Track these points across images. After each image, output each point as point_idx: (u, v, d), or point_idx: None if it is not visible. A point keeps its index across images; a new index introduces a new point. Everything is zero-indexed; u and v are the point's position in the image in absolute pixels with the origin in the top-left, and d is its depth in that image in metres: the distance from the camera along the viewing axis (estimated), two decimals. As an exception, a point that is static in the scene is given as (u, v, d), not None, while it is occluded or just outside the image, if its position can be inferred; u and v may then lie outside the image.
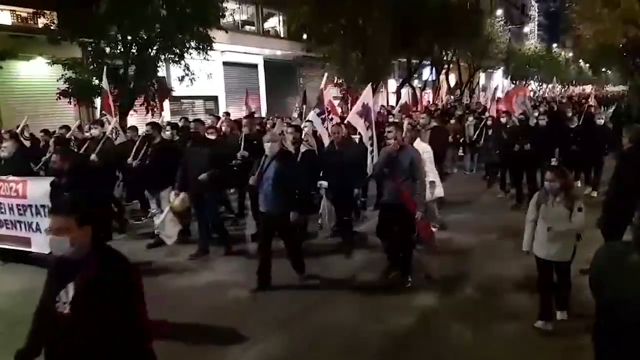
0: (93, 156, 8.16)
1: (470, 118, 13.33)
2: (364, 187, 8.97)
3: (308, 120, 9.24)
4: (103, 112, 10.28)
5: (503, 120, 10.80)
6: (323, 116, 9.13)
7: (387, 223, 6.18)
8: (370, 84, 9.92)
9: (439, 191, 7.80)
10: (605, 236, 5.64)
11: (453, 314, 5.25)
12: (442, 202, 8.93)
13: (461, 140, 13.48)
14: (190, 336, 4.89)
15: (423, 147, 7.33)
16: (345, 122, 8.78)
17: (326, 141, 8.25)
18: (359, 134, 8.17)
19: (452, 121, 13.89)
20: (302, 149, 7.63)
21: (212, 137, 8.58)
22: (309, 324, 5.13)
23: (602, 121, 10.40)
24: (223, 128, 9.98)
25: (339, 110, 14.65)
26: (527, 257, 5.06)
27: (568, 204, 4.48)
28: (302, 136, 8.02)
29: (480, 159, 12.99)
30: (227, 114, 12.56)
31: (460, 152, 13.90)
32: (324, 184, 7.41)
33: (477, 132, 12.51)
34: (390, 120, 12.22)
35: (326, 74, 10.74)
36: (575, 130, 10.51)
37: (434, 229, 7.23)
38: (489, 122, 11.93)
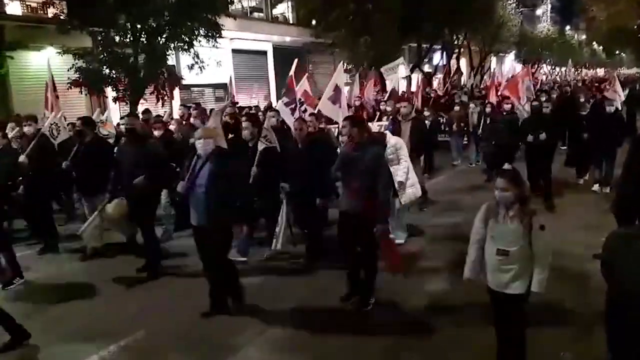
0: (22, 157, 6.96)
1: (473, 105, 12.43)
2: None
3: (273, 110, 8.32)
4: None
5: (507, 107, 10.14)
6: (292, 106, 8.29)
7: (347, 236, 5.25)
8: (342, 62, 9.28)
9: (412, 192, 6.88)
10: (618, 220, 5.59)
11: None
12: (427, 201, 8.65)
13: (465, 129, 12.80)
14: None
15: (393, 142, 6.74)
16: (316, 111, 8.13)
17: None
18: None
19: (457, 108, 13.18)
20: (260, 146, 6.53)
21: (159, 132, 7.72)
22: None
23: (613, 108, 9.43)
24: (192, 121, 9.04)
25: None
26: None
27: (524, 219, 3.57)
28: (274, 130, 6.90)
29: (480, 149, 12.23)
30: (197, 105, 12.02)
31: (465, 141, 13.33)
32: (286, 186, 6.50)
33: (480, 121, 11.78)
34: (388, 108, 11.46)
35: (296, 60, 9.79)
36: (585, 118, 10.00)
37: (399, 242, 6.63)
38: (488, 110, 11.29)
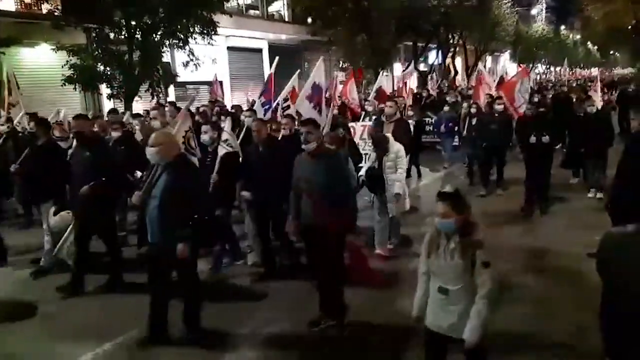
0: None
1: (465, 105, 11.81)
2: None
3: (249, 110, 7.83)
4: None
5: (499, 107, 9.67)
6: (267, 107, 7.98)
7: (312, 250, 4.79)
8: (322, 59, 8.71)
9: (405, 203, 6.53)
10: (613, 220, 5.61)
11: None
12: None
13: (456, 129, 12.09)
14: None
15: (396, 149, 6.29)
16: (294, 111, 7.71)
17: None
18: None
19: (446, 108, 12.70)
20: (221, 151, 6.02)
21: (117, 134, 7.13)
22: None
23: (594, 109, 9.02)
24: (152, 123, 7.90)
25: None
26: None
27: (468, 253, 3.01)
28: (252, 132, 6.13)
29: (464, 151, 11.37)
30: (172, 103, 11.83)
31: (455, 142, 12.52)
32: (246, 194, 5.95)
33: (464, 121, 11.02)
34: (369, 108, 11.08)
35: (277, 58, 9.49)
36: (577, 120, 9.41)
37: (387, 248, 6.30)
38: (473, 110, 10.66)
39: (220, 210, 5.99)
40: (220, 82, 17.06)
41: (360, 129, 8.93)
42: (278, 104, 8.30)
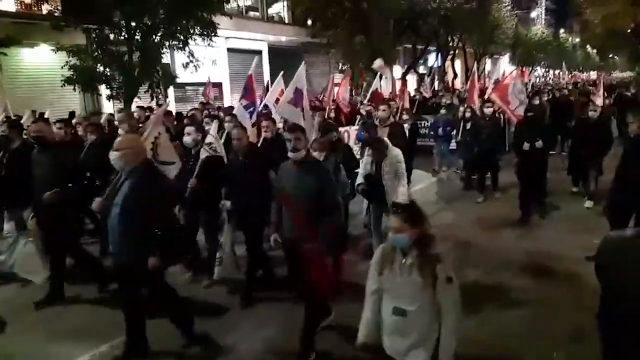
0: None
1: (462, 108, 11.41)
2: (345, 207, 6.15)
3: (229, 114, 7.52)
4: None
5: (488, 110, 9.57)
6: (252, 109, 7.67)
7: (294, 267, 4.45)
8: (304, 62, 8.47)
9: None
10: (611, 224, 5.62)
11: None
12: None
13: (453, 133, 11.65)
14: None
15: (395, 154, 5.97)
16: (278, 114, 7.54)
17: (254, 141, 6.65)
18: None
19: (443, 111, 12.43)
20: (203, 154, 5.71)
21: (92, 137, 6.82)
22: None
23: (597, 114, 8.63)
24: (120, 127, 7.16)
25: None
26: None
27: (426, 269, 2.76)
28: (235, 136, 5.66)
29: (459, 156, 11.23)
30: (141, 107, 11.19)
31: (452, 146, 12.07)
32: (227, 204, 5.68)
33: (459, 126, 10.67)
34: (363, 111, 10.76)
35: (256, 58, 9.36)
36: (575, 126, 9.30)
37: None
38: (468, 114, 10.30)
39: (203, 216, 5.79)
40: (220, 84, 17.05)
41: (354, 133, 8.91)
42: (266, 105, 8.13)
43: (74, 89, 13.13)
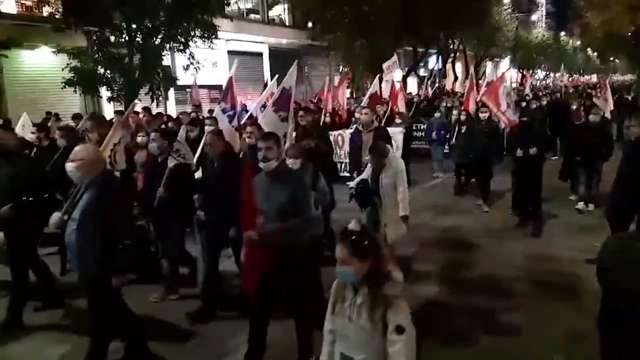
0: None
1: (455, 112, 10.79)
2: (326, 218, 5.90)
3: (209, 118, 7.22)
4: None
5: (484, 115, 9.37)
6: (230, 112, 7.41)
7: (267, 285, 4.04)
8: (296, 62, 7.97)
9: (403, 229, 5.53)
10: (612, 226, 5.62)
11: None
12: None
13: (447, 137, 10.98)
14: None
15: (395, 164, 5.51)
16: (264, 122, 7.07)
17: (237, 147, 6.39)
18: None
19: (437, 114, 12.28)
20: (170, 162, 5.40)
21: (63, 142, 6.36)
22: None
23: (598, 117, 8.50)
24: (57, 138, 6.73)
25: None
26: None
27: (377, 312, 2.32)
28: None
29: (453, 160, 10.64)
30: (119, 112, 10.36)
31: (446, 150, 11.57)
32: (200, 214, 5.40)
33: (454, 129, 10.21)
34: (358, 114, 10.28)
35: (236, 60, 8.99)
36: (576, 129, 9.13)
37: None
38: (463, 117, 9.88)
39: (173, 226, 5.49)
40: (220, 86, 16.95)
41: (348, 137, 8.76)
42: (235, 111, 7.64)
43: (75, 91, 13.13)
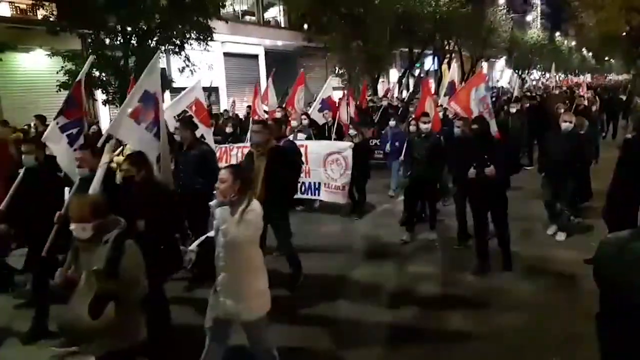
0: None
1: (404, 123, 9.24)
2: None
3: (180, 121, 6.79)
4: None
5: (425, 127, 7.24)
6: (74, 130, 5.69)
7: None
8: (158, 52, 7.17)
9: None
10: (609, 226, 5.61)
11: None
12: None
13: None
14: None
15: (249, 219, 3.47)
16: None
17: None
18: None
19: (392, 123, 10.42)
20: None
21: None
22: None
23: (571, 126, 6.83)
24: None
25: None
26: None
27: None
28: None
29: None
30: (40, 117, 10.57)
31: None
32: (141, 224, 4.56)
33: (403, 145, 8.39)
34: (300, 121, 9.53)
35: (89, 60, 7.96)
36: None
37: None
38: (413, 128, 8.05)
39: None
40: (216, 88, 16.94)
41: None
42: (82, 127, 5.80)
43: (70, 94, 13.10)
